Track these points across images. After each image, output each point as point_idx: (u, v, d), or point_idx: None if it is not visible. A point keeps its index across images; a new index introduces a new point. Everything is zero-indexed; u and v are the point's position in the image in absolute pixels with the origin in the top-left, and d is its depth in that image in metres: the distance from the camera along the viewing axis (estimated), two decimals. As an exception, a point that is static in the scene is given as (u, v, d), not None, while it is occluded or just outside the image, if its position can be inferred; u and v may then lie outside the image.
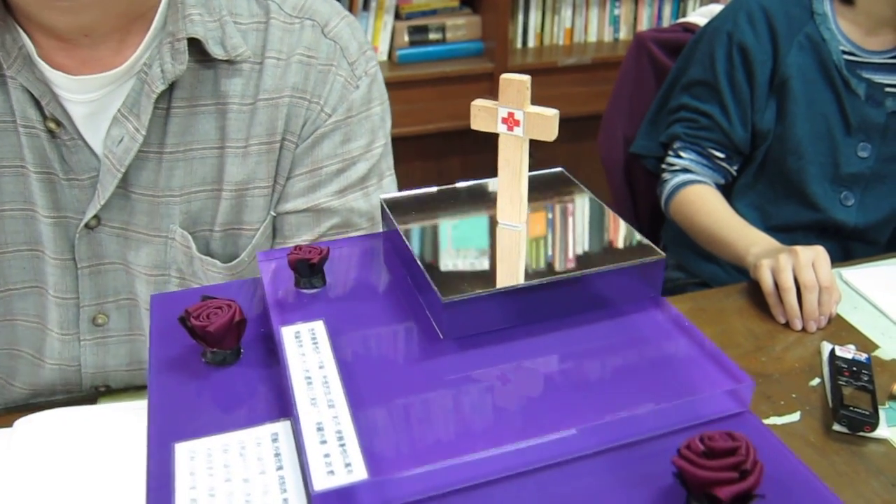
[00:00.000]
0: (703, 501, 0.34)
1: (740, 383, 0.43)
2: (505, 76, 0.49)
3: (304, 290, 0.51)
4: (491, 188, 0.58)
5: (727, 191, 1.25)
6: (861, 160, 1.16)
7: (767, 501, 0.35)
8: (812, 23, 1.14)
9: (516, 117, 0.49)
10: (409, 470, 0.36)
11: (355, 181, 0.82)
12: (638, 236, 0.52)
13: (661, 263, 0.49)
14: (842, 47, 1.14)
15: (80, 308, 0.78)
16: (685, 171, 1.23)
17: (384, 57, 2.24)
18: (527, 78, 0.48)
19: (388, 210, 0.55)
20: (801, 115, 1.15)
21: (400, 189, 0.81)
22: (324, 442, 0.37)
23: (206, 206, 0.77)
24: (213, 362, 0.46)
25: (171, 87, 0.72)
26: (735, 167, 1.24)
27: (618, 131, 1.42)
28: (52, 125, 0.71)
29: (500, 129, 0.50)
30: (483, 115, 0.50)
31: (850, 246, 1.24)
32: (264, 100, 0.75)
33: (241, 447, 0.40)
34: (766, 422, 0.77)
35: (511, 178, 0.51)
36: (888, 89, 1.14)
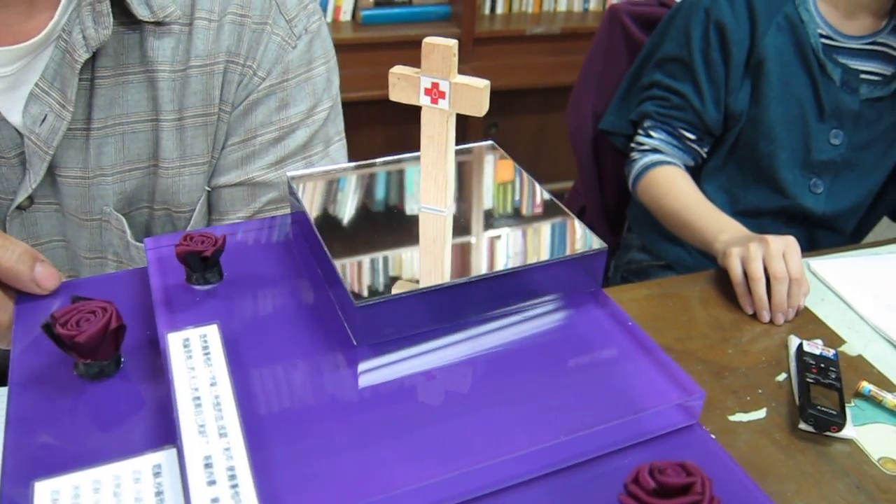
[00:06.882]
0: None
1: (691, 395, 0.38)
2: (428, 40, 0.42)
3: (198, 287, 0.44)
4: (415, 164, 0.51)
5: (696, 173, 1.22)
6: (833, 147, 1.14)
7: None
8: (791, 3, 1.10)
9: (441, 88, 0.42)
10: None
11: (294, 150, 0.75)
12: (575, 220, 0.47)
13: (602, 255, 0.45)
14: (820, 30, 1.10)
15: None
16: (655, 151, 1.19)
17: (348, 17, 2.16)
18: (453, 42, 0.41)
19: (295, 190, 0.48)
20: (775, 98, 1.12)
21: (353, 157, 0.74)
22: (212, 483, 0.31)
23: (144, 184, 0.71)
24: (87, 375, 0.39)
25: (94, 55, 0.65)
26: (705, 149, 1.20)
27: (587, 106, 1.37)
28: None
29: (423, 101, 0.43)
30: (403, 84, 0.43)
31: (815, 233, 1.22)
32: (197, 66, 0.68)
33: (115, 484, 0.33)
34: (731, 418, 0.75)
35: (436, 158, 0.45)
36: (863, 76, 1.11)
